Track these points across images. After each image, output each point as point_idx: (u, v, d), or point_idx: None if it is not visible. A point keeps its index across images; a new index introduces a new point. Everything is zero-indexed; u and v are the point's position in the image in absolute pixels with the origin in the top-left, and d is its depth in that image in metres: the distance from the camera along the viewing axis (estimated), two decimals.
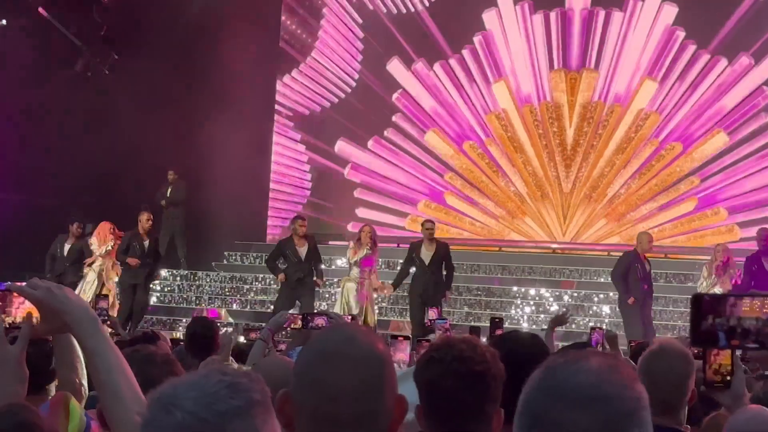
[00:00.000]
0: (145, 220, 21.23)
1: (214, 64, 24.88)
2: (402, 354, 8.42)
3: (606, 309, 21.38)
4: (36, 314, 3.43)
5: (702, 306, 2.55)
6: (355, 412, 2.73)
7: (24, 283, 3.47)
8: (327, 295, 22.32)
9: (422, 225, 20.41)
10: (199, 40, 25.03)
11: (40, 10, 24.62)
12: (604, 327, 15.35)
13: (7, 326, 3.35)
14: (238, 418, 2.21)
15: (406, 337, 9.67)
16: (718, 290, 18.66)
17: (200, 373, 2.32)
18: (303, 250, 20.41)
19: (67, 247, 21.58)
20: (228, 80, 24.72)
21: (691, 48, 23.89)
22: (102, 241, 21.40)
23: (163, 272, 24.16)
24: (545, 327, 19.78)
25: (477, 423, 3.72)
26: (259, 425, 2.24)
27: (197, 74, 24.89)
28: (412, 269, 20.04)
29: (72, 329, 3.26)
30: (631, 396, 2.19)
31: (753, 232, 22.68)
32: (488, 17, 25.22)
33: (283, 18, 26.90)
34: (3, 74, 23.50)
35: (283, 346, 9.75)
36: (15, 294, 3.85)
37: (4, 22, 24.24)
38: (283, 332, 9.99)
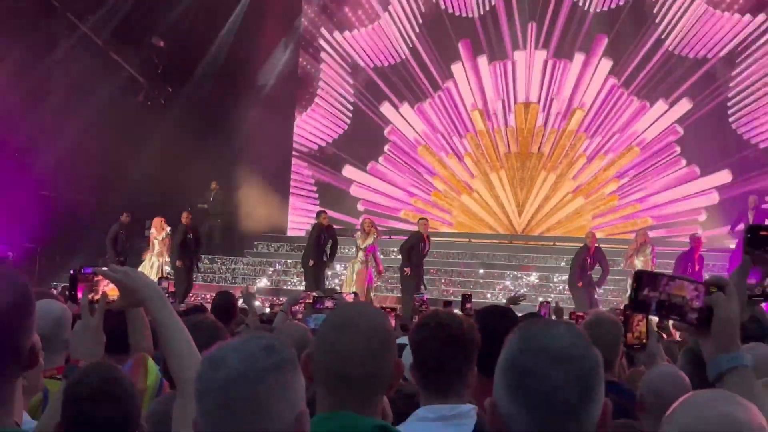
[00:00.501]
0: (184, 217, 21.40)
1: (245, 94, 24.87)
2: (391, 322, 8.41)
3: (552, 286, 21.50)
4: (114, 293, 3.49)
5: (642, 280, 2.64)
6: (362, 372, 2.74)
7: (105, 268, 3.56)
8: (339, 273, 22.24)
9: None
10: (232, 75, 25.02)
11: (111, 53, 24.62)
12: (550, 301, 15.39)
13: (92, 301, 3.38)
14: (272, 372, 2.23)
15: (392, 309, 9.63)
16: (638, 261, 18.74)
17: (242, 337, 2.35)
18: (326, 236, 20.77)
19: (121, 232, 21.78)
20: (256, 106, 24.75)
21: (620, 91, 24.00)
22: (159, 231, 21.52)
23: (207, 258, 24.18)
24: (504, 301, 20.01)
25: (455, 377, 3.72)
26: (288, 379, 2.26)
27: (232, 103, 24.84)
28: None
29: (144, 304, 3.31)
30: (594, 355, 2.20)
31: (662, 220, 22.99)
32: (456, 69, 25.27)
33: (300, 59, 26.84)
34: (84, 102, 23.41)
35: (300, 316, 9.74)
36: (100, 276, 3.84)
37: (84, 63, 24.17)
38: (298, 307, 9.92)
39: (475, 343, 3.81)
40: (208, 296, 18.94)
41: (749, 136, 22.47)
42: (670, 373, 4.75)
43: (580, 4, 24.12)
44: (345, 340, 2.78)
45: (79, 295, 3.65)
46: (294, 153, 26.73)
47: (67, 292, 9.47)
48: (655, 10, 23.48)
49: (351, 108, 26.25)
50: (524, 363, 2.17)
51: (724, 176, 22.65)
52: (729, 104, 22.70)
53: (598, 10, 23.99)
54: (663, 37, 23.38)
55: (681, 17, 23.22)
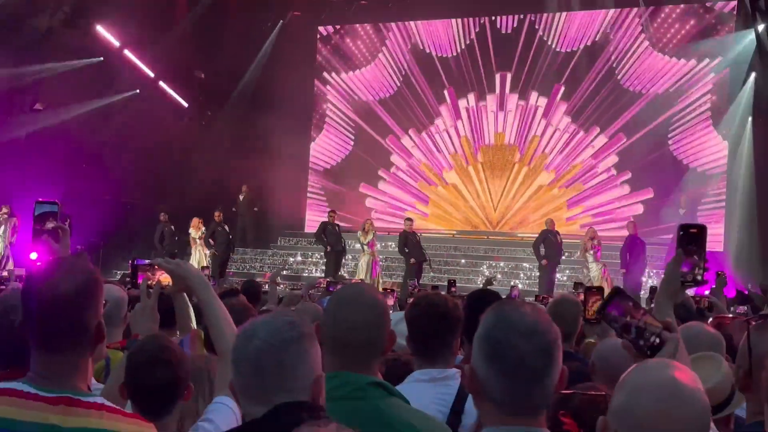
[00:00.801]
0: (216, 215, 21.53)
1: (271, 114, 24.90)
2: (391, 301, 8.42)
3: (522, 273, 21.57)
4: (168, 280, 3.57)
5: (614, 297, 2.68)
6: (361, 340, 2.78)
7: (161, 260, 3.64)
8: (352, 264, 22.30)
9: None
10: (261, 100, 25.02)
11: (160, 83, 24.65)
12: (518, 284, 15.56)
13: (148, 286, 3.46)
14: (294, 343, 2.30)
15: (393, 290, 9.69)
16: (589, 255, 18.78)
17: (270, 314, 2.42)
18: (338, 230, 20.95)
19: (165, 229, 21.85)
20: (280, 126, 24.77)
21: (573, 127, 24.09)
22: (196, 229, 21.55)
23: (240, 250, 24.21)
24: (481, 285, 20.07)
25: (442, 346, 3.76)
26: (307, 348, 2.32)
27: (260, 123, 24.83)
28: None
29: (192, 289, 3.37)
30: (554, 330, 2.22)
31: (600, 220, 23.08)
32: (443, 106, 25.29)
33: (315, 82, 26.88)
34: (139, 124, 23.45)
35: (316, 299, 9.75)
36: (157, 266, 3.88)
37: (137, 91, 24.20)
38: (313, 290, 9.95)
39: (459, 318, 3.82)
40: (241, 282, 18.96)
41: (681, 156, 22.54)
42: (616, 344, 4.81)
43: (549, 43, 24.13)
44: (347, 313, 2.81)
45: (139, 281, 3.72)
46: (310, 166, 26.68)
47: (128, 279, 9.53)
48: (607, 56, 23.52)
49: (353, 133, 26.23)
50: (497, 336, 2.21)
51: (647, 192, 22.77)
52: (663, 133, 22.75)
53: (560, 49, 23.98)
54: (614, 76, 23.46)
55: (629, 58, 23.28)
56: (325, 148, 26.60)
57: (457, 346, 3.88)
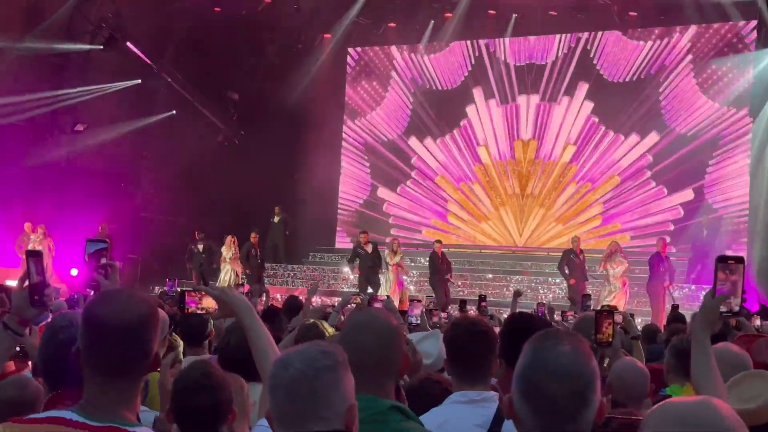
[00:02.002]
0: (252, 236, 21.59)
1: (303, 133, 25.04)
2: (417, 310, 8.37)
3: (548, 288, 21.49)
4: (212, 305, 3.63)
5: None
6: (374, 363, 2.80)
7: (208, 287, 3.71)
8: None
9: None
10: (293, 122, 25.17)
11: (196, 104, 24.85)
12: (545, 302, 15.46)
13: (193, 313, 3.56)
14: (328, 371, 2.30)
15: (419, 300, 9.66)
16: (610, 268, 18.65)
17: (305, 344, 2.41)
18: (369, 248, 20.75)
19: (201, 246, 21.96)
20: (310, 146, 24.90)
21: (601, 127, 23.95)
22: (229, 247, 21.55)
23: (274, 266, 24.26)
24: (509, 298, 20.00)
25: (480, 367, 3.76)
26: (341, 377, 2.31)
27: (292, 144, 24.98)
28: None
29: (236, 314, 3.36)
30: (591, 369, 2.21)
31: (637, 235, 22.90)
32: (470, 109, 25.31)
33: (346, 98, 27.01)
34: (175, 143, 23.64)
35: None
36: (203, 292, 3.93)
37: (174, 112, 24.41)
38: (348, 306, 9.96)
39: (495, 339, 3.83)
40: (278, 296, 18.96)
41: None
42: (631, 364, 4.88)
43: (574, 61, 24.14)
44: (360, 337, 2.85)
45: (191, 305, 3.79)
46: (341, 181, 26.76)
47: (167, 296, 9.54)
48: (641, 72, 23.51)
49: (380, 152, 26.30)
50: (530, 376, 2.22)
51: (687, 194, 22.60)
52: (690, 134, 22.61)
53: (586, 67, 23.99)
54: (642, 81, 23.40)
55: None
56: (354, 166, 26.66)
57: (495, 367, 3.87)
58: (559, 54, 24.23)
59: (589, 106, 23.88)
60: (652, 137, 23.01)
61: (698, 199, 22.27)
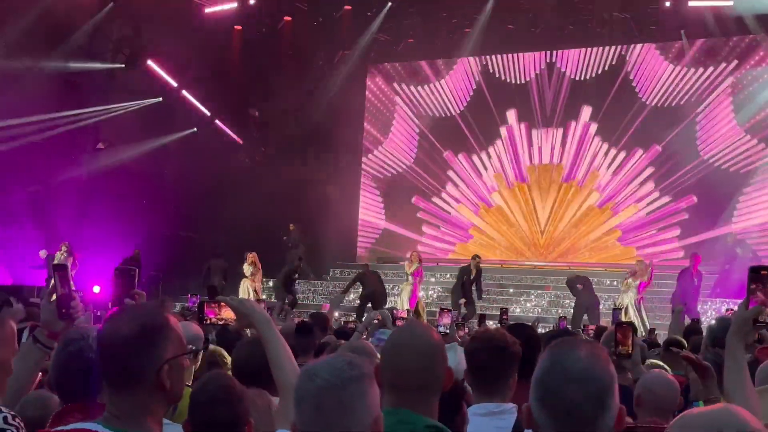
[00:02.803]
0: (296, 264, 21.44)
1: (324, 149, 25.08)
2: (446, 320, 8.31)
3: (568, 302, 21.29)
4: (231, 316, 3.60)
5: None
6: (417, 383, 2.79)
7: (227, 297, 3.68)
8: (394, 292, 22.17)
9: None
10: (313, 140, 25.22)
11: (217, 121, 24.96)
12: (567, 316, 15.46)
13: (210, 323, 3.56)
14: (354, 382, 2.28)
15: (449, 310, 9.54)
16: (631, 282, 18.47)
17: (331, 355, 2.42)
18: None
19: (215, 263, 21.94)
20: (331, 162, 24.93)
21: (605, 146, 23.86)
22: (250, 263, 21.49)
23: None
24: (531, 314, 19.91)
25: (499, 380, 3.76)
26: (367, 388, 2.31)
27: (314, 159, 25.03)
28: None
29: (255, 326, 3.37)
30: (608, 374, 2.21)
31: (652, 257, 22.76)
32: (492, 130, 25.13)
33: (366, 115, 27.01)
34: (197, 160, 23.72)
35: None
36: (223, 303, 3.92)
37: (194, 129, 24.51)
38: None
39: (517, 353, 3.83)
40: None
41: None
42: (661, 377, 4.80)
43: (588, 76, 24.07)
44: (402, 358, 2.83)
45: (210, 316, 3.76)
46: (361, 198, 26.76)
47: (188, 311, 9.48)
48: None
49: (402, 165, 26.25)
50: (548, 382, 2.21)
51: (690, 199, 22.51)
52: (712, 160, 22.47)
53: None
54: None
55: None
56: (373, 185, 26.64)
57: (515, 381, 3.85)
58: (579, 69, 24.16)
59: (594, 126, 23.79)
60: (655, 150, 22.95)
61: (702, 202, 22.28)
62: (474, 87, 25.37)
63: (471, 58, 25.18)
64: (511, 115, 24.87)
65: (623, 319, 15.34)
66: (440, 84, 25.82)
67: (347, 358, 2.37)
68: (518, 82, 24.82)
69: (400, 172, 26.22)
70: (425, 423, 2.75)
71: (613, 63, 23.78)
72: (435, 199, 25.74)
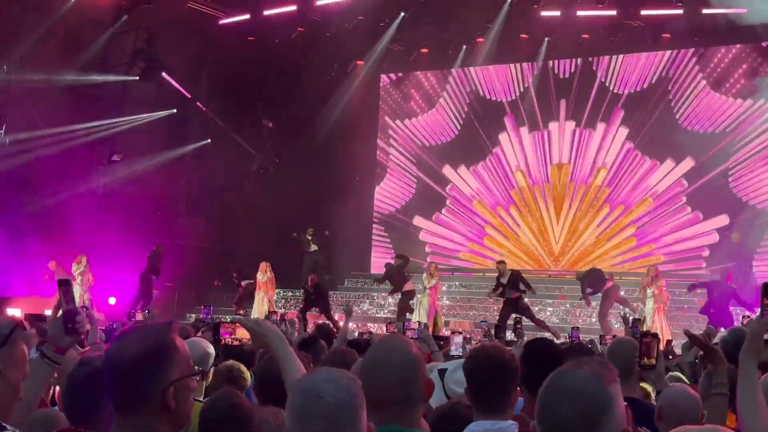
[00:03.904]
0: (310, 279, 21.13)
1: (336, 159, 25.07)
2: (458, 338, 8.25)
3: (584, 311, 21.16)
4: (246, 336, 3.60)
5: None
6: (398, 396, 2.81)
7: (242, 318, 3.68)
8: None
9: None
10: (327, 149, 25.25)
11: (231, 133, 25.03)
12: (581, 327, 15.39)
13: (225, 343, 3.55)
14: (359, 396, 2.34)
15: (459, 332, 9.50)
16: (650, 290, 18.34)
17: (324, 372, 2.40)
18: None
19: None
20: (345, 171, 24.92)
21: (636, 152, 23.74)
22: (263, 273, 21.37)
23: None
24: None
25: (498, 398, 3.74)
26: (363, 403, 2.36)
27: (326, 171, 25.03)
28: None
29: (269, 345, 3.38)
30: (602, 394, 2.20)
31: (672, 260, 22.63)
32: (503, 137, 25.16)
33: (380, 114, 27.03)
34: (210, 171, 23.83)
35: None
36: (237, 324, 3.92)
37: (209, 140, 24.59)
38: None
39: (515, 369, 3.82)
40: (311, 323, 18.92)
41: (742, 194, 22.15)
42: (683, 390, 4.77)
43: (607, 83, 23.99)
44: (381, 374, 2.85)
45: (225, 336, 3.76)
46: (375, 209, 26.77)
47: (201, 325, 9.48)
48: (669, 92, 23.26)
49: (415, 178, 26.26)
50: (544, 398, 2.24)
51: (722, 220, 22.31)
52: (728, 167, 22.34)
53: (618, 91, 23.84)
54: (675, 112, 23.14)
55: (688, 97, 22.98)
56: (389, 191, 26.65)
57: (515, 397, 3.85)
58: (594, 77, 24.12)
59: (624, 131, 23.71)
60: (688, 162, 22.79)
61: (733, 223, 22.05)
62: (488, 96, 25.36)
63: (483, 68, 25.17)
64: (520, 121, 24.90)
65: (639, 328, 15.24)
66: (454, 92, 25.82)
67: (343, 373, 2.40)
68: (532, 89, 24.78)
69: (414, 180, 26.22)
70: None
71: (625, 70, 23.76)
72: (448, 206, 25.71)
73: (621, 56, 23.81)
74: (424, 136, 26.25)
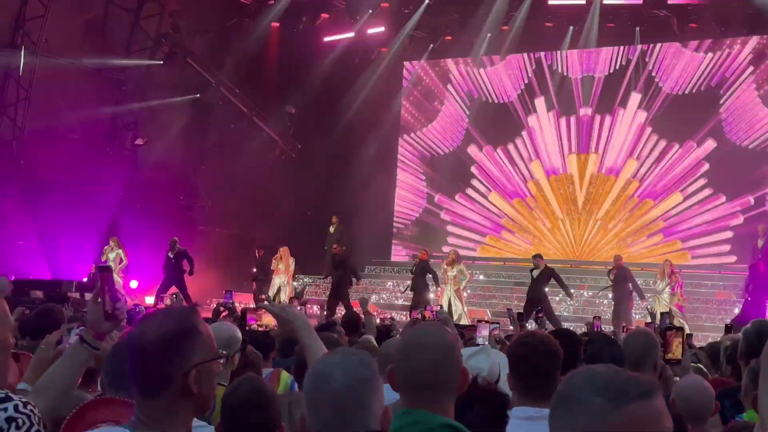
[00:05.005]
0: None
1: (359, 146, 25.06)
2: (485, 331, 8.22)
3: (605, 301, 21.11)
4: (272, 322, 3.63)
5: None
6: (430, 380, 2.78)
7: (268, 304, 3.69)
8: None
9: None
10: (349, 136, 25.23)
11: (254, 118, 25.06)
12: (602, 316, 15.28)
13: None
14: (369, 381, 2.33)
15: (487, 321, 9.46)
16: (667, 289, 18.24)
17: (340, 354, 2.42)
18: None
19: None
20: (366, 159, 24.90)
21: (655, 137, 23.62)
22: (284, 258, 21.44)
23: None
24: (565, 312, 19.76)
25: (542, 384, 3.67)
26: (378, 384, 2.36)
27: (349, 157, 25.01)
28: None
29: (295, 331, 3.40)
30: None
31: (698, 254, 22.49)
32: (531, 119, 25.09)
33: (403, 107, 26.98)
34: (233, 157, 23.86)
35: None
36: (264, 310, 3.92)
37: (231, 126, 24.63)
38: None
39: (560, 356, 3.80)
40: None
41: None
42: (697, 382, 4.75)
43: (625, 71, 23.87)
44: (415, 356, 2.82)
45: (251, 322, 3.78)
46: (396, 195, 26.75)
47: (225, 307, 9.55)
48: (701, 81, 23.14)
49: (436, 165, 26.20)
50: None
51: (747, 201, 22.19)
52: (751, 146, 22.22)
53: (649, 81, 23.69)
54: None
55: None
56: (411, 178, 26.63)
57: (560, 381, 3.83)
58: (617, 66, 24.00)
59: (646, 117, 23.59)
60: (710, 144, 22.66)
61: (759, 205, 21.90)
62: (512, 85, 25.26)
63: (507, 56, 25.07)
64: (545, 105, 24.78)
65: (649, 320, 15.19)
66: (477, 81, 25.74)
67: (356, 356, 2.39)
68: (556, 78, 24.67)
69: (436, 168, 26.19)
70: (440, 422, 2.74)
71: (649, 60, 23.61)
72: (467, 193, 25.69)
73: (652, 45, 23.65)
74: (446, 123, 26.19)
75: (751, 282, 17.91)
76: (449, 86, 26.25)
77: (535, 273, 19.27)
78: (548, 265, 19.49)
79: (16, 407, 2.31)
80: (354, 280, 20.96)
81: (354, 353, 2.42)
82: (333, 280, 20.54)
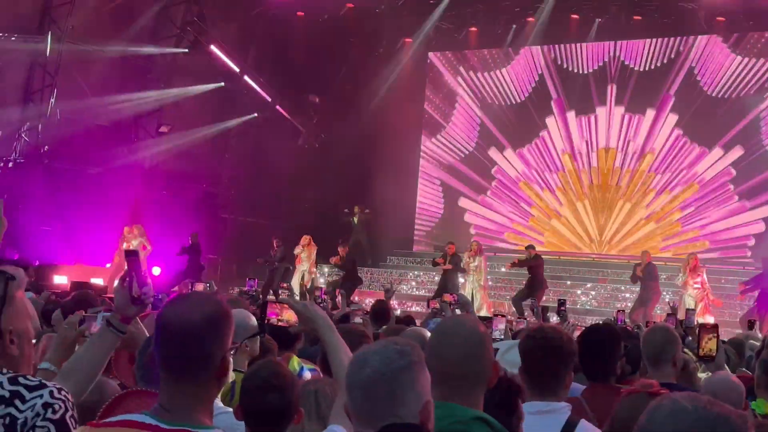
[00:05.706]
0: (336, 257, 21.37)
1: (383, 136, 25.02)
2: (502, 325, 8.21)
3: (627, 295, 21.05)
4: (293, 318, 3.63)
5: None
6: (461, 371, 2.79)
7: (290, 299, 3.70)
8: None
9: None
10: (374, 122, 25.18)
11: (278, 107, 25.11)
12: (625, 310, 15.22)
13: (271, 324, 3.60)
14: (404, 371, 2.32)
15: (502, 315, 9.46)
16: (691, 282, 18.10)
17: (381, 342, 2.44)
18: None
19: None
20: (390, 149, 24.87)
21: (682, 139, 23.46)
22: (306, 247, 21.31)
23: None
24: (588, 306, 19.70)
25: (552, 379, 3.76)
26: (417, 376, 2.34)
27: (373, 146, 24.98)
28: None
29: (316, 329, 3.38)
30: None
31: (717, 247, 22.38)
32: (549, 121, 24.94)
33: (425, 105, 26.93)
34: (256, 146, 23.94)
35: None
36: (285, 305, 3.96)
37: (255, 114, 24.68)
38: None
39: (572, 352, 3.83)
40: (355, 299, 18.96)
41: None
42: (725, 379, 4.72)
43: (652, 67, 23.70)
44: (447, 346, 2.83)
45: (271, 316, 3.79)
46: (419, 190, 26.71)
47: (259, 315, 9.60)
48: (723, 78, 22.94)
49: (460, 157, 26.14)
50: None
51: None
52: None
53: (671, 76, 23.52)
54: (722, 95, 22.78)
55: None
56: (434, 169, 26.59)
57: (570, 380, 3.85)
58: (643, 60, 23.83)
59: (674, 117, 23.42)
60: (737, 151, 22.48)
61: None
62: (537, 77, 25.15)
63: (533, 48, 24.97)
64: (570, 104, 24.65)
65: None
66: (502, 73, 25.64)
67: (397, 346, 2.39)
68: (581, 71, 24.54)
69: (459, 160, 26.14)
70: (472, 415, 2.74)
71: (676, 54, 23.42)
72: (494, 187, 25.63)
73: (681, 38, 23.47)
74: (470, 116, 26.13)
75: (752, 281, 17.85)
76: (473, 77, 26.13)
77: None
78: (535, 253, 19.74)
79: (51, 393, 2.34)
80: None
81: (397, 342, 2.42)
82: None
